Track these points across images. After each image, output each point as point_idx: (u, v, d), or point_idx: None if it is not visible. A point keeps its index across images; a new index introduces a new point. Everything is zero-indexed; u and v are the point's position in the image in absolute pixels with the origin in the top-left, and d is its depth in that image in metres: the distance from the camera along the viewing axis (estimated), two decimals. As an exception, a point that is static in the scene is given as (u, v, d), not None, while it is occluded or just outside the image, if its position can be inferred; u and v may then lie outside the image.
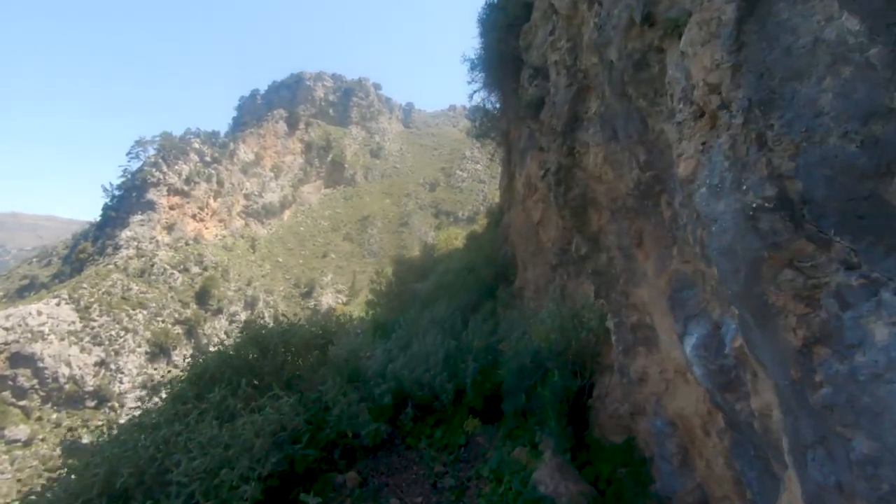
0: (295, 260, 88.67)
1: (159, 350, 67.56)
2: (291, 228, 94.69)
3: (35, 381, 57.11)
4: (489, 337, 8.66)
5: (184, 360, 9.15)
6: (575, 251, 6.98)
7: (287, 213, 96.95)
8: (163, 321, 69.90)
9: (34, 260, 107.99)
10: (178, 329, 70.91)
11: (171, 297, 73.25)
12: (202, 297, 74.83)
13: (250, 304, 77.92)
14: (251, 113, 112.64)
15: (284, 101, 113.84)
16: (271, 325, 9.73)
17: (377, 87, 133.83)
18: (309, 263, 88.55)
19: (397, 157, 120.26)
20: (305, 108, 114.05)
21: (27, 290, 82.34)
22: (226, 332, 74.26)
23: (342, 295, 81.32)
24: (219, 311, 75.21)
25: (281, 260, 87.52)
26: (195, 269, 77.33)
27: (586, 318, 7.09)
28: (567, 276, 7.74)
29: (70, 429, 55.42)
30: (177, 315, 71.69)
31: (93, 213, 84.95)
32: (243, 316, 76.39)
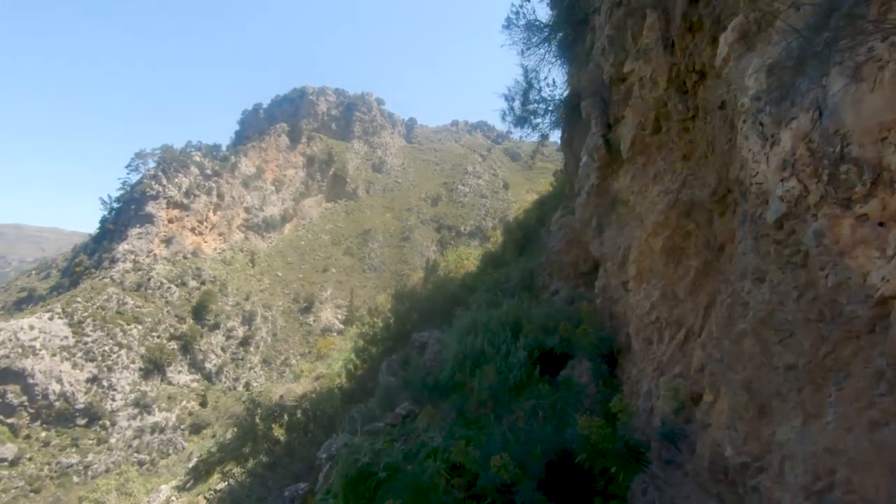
0: (294, 274, 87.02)
1: (154, 366, 65.87)
2: (292, 242, 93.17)
3: (24, 398, 55.42)
4: None
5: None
6: None
7: (288, 227, 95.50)
8: (158, 336, 68.30)
9: (33, 272, 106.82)
10: (174, 344, 69.28)
11: (168, 311, 71.75)
12: (199, 311, 73.26)
13: (248, 319, 76.29)
14: (253, 127, 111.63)
15: (287, 115, 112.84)
16: None
17: (380, 101, 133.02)
18: (309, 278, 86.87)
19: (399, 171, 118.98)
20: (308, 122, 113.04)
21: (25, 302, 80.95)
22: (222, 348, 72.82)
23: (342, 311, 79.55)
24: (216, 327, 73.57)
25: (280, 274, 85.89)
26: (193, 283, 75.83)
27: None
28: None
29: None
30: (172, 330, 70.08)
31: (95, 226, 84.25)
32: (241, 331, 74.84)
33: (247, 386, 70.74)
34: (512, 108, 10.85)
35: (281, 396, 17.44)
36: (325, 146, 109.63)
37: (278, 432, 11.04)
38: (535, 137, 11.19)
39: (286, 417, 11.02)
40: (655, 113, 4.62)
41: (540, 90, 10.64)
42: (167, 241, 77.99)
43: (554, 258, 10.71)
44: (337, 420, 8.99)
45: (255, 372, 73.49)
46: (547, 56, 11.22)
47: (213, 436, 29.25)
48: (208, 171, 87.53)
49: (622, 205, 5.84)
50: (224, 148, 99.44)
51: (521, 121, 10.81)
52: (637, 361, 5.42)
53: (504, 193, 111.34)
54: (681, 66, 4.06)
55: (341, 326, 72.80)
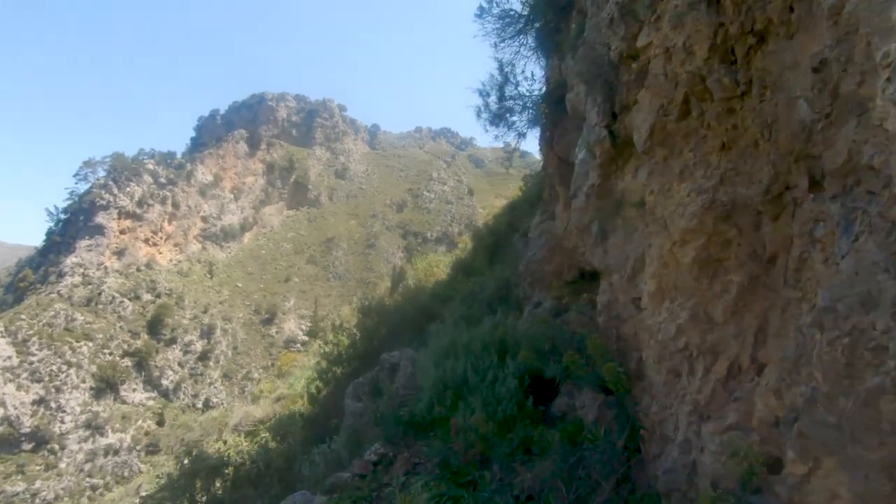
0: (255, 285, 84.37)
1: (106, 385, 62.68)
2: (252, 252, 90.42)
3: (-38, 424, 51.82)
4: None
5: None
6: None
7: (247, 236, 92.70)
8: (110, 353, 65.08)
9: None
10: (128, 361, 66.15)
11: (120, 327, 68.50)
12: (154, 326, 70.22)
13: (207, 333, 73.50)
14: (210, 133, 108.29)
15: (245, 121, 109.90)
16: None
17: (342, 108, 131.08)
18: (270, 288, 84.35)
19: (363, 177, 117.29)
20: (267, 129, 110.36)
21: (-36, 321, 76.17)
22: (179, 363, 69.84)
23: (305, 321, 77.43)
24: (172, 341, 70.62)
25: (240, 285, 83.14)
26: (147, 297, 72.67)
27: None
28: None
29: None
30: (126, 346, 66.93)
31: (41, 239, 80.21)
32: (199, 346, 72.05)
33: (206, 403, 68.13)
34: (487, 105, 9.88)
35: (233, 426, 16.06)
36: (286, 153, 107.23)
37: (222, 487, 9.13)
38: (511, 137, 10.21)
39: (230, 472, 9.33)
40: (686, 92, 3.70)
41: (517, 84, 9.73)
42: (119, 253, 74.62)
43: (535, 267, 9.84)
44: (296, 462, 7.72)
45: (214, 387, 70.81)
46: (523, 49, 10.38)
47: (167, 462, 27.35)
48: (162, 180, 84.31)
49: (631, 207, 4.92)
50: (179, 155, 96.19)
51: (497, 118, 9.84)
52: (658, 396, 4.48)
53: (469, 199, 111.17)
54: (730, 27, 3.14)
55: (305, 338, 70.85)
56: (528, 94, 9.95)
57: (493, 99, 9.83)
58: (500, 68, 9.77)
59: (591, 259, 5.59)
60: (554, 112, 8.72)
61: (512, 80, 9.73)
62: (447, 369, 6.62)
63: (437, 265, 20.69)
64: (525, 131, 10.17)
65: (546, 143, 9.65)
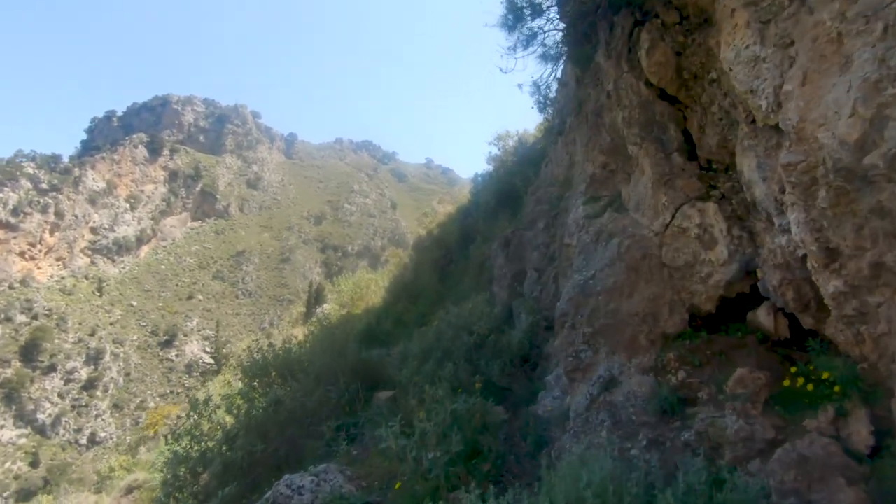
0: (153, 303, 76.04)
1: (-36, 424, 53.31)
2: (150, 266, 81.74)
3: None
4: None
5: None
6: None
7: (144, 249, 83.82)
8: (-29, 386, 55.63)
9: None
10: (-6, 394, 56.85)
11: (-15, 354, 58.97)
12: (29, 351, 61.11)
13: (94, 358, 64.93)
14: (105, 136, 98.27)
15: (147, 125, 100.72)
16: None
17: (256, 115, 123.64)
18: (170, 307, 76.31)
19: (278, 188, 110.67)
20: (171, 134, 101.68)
21: None
22: (60, 394, 60.97)
23: (210, 343, 70.38)
24: (52, 369, 61.69)
25: (135, 304, 74.60)
26: (21, 318, 63.32)
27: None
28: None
29: None
30: (-8, 377, 57.57)
31: None
32: (84, 373, 63.49)
33: (92, 438, 59.83)
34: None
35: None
36: (192, 160, 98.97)
37: None
38: (534, 58, 6.43)
39: None
40: None
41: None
42: (-13, 269, 64.81)
43: (597, 303, 5.49)
44: None
45: (102, 420, 62.51)
46: None
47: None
48: (44, 186, 74.64)
49: None
50: (66, 159, 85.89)
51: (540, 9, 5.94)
52: None
53: (393, 213, 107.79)
54: None
55: (210, 362, 64.13)
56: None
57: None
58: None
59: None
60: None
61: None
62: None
63: (368, 286, 16.76)
64: (561, 51, 6.42)
65: (616, 62, 5.95)
